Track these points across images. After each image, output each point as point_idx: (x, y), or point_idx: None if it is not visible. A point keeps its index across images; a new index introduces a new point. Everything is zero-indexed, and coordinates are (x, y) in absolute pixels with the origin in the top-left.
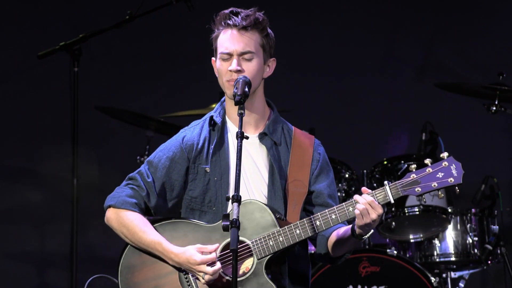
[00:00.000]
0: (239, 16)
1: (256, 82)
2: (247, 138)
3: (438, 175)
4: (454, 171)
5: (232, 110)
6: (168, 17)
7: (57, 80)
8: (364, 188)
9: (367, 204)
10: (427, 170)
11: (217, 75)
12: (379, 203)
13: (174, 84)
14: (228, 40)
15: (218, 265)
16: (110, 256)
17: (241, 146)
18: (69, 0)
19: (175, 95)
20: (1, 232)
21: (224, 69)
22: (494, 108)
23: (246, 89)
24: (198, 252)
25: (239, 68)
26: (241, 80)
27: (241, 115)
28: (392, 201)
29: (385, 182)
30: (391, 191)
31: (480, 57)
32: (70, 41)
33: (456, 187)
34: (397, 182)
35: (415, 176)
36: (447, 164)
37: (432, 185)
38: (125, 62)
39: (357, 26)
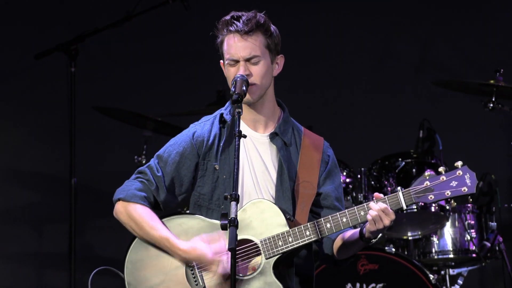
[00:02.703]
0: (241, 21)
1: (267, 83)
2: (244, 136)
3: (451, 184)
4: (468, 181)
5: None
6: (165, 17)
7: (54, 80)
8: (376, 194)
9: (380, 211)
10: (440, 178)
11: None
12: (391, 209)
13: (172, 84)
14: (233, 46)
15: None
16: (109, 256)
17: (239, 145)
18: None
19: (173, 94)
20: None
21: (232, 75)
22: (491, 105)
23: (244, 88)
24: (205, 242)
25: (247, 73)
26: (238, 79)
27: (238, 114)
28: (405, 208)
29: (398, 188)
30: (404, 198)
31: (476, 54)
32: (67, 41)
33: (469, 196)
34: (410, 188)
35: (429, 184)
36: (461, 173)
37: (446, 193)
38: (122, 61)
39: (355, 24)
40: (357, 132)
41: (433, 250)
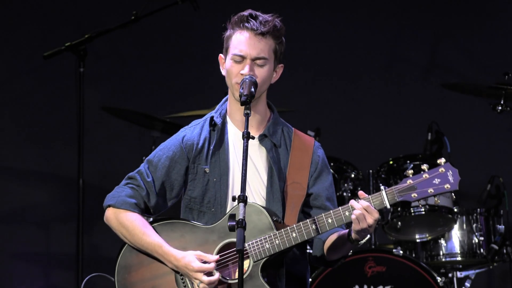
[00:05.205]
0: (258, 20)
1: (264, 87)
2: (253, 138)
3: (434, 181)
4: (450, 178)
5: (234, 111)
6: (174, 17)
7: (63, 81)
8: (361, 192)
9: (363, 209)
10: (423, 176)
11: (223, 72)
12: (375, 208)
13: (180, 84)
14: (244, 43)
15: (215, 276)
16: (116, 256)
17: (247, 146)
18: (75, 0)
19: (181, 95)
20: (7, 232)
21: (235, 71)
22: (500, 107)
23: (252, 89)
24: (198, 259)
25: (251, 73)
26: (247, 80)
27: (247, 115)
28: (388, 206)
29: (382, 187)
30: (387, 196)
31: (485, 57)
32: (75, 41)
33: (452, 193)
34: (393, 187)
35: (412, 182)
36: (443, 170)
37: (428, 191)
38: (131, 62)
39: (363, 26)
40: (366, 134)
41: (441, 253)
